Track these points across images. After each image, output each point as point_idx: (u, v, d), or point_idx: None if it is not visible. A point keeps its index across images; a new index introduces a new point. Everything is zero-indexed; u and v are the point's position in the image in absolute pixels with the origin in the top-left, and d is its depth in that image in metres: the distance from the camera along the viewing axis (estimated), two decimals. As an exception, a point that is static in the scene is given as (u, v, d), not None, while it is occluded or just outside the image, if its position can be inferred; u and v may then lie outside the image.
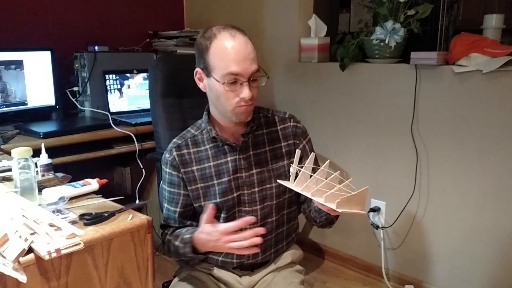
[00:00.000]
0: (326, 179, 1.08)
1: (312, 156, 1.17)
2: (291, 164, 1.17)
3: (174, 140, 1.31)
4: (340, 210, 1.00)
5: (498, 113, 1.83)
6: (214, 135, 1.26)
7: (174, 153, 1.28)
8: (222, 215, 1.28)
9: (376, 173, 2.26)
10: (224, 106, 1.19)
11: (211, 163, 1.27)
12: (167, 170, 1.29)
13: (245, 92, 1.15)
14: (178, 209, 1.30)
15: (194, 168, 1.28)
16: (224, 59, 1.14)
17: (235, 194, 1.27)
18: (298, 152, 1.17)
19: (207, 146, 1.28)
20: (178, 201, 1.29)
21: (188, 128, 1.34)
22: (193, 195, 1.28)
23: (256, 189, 1.28)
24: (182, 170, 1.27)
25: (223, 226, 1.12)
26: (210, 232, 1.13)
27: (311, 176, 1.11)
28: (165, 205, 1.33)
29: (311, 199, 1.32)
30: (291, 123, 1.34)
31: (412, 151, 2.10)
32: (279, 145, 1.32)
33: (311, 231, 2.64)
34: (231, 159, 1.27)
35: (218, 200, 1.26)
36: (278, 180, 1.25)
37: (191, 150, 1.28)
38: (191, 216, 1.32)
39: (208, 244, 1.15)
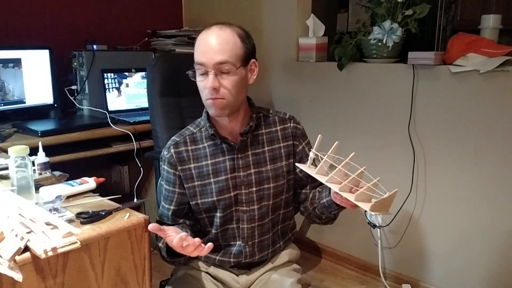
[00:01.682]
0: (350, 172, 1.06)
1: (336, 145, 1.13)
2: (310, 149, 1.15)
3: (173, 137, 1.32)
4: (373, 213, 0.99)
5: (495, 112, 1.84)
6: (213, 132, 1.26)
7: (172, 150, 1.28)
8: (218, 214, 1.28)
9: (373, 172, 2.25)
10: (202, 99, 1.22)
11: (209, 161, 1.27)
12: (165, 167, 1.30)
13: (207, 81, 1.16)
14: (172, 207, 1.30)
15: (192, 165, 1.27)
16: (196, 50, 1.19)
17: (232, 193, 1.27)
18: (319, 137, 1.15)
19: (205, 144, 1.29)
20: (173, 199, 1.29)
21: (188, 126, 1.34)
22: (189, 193, 1.28)
23: (254, 189, 1.28)
24: (179, 168, 1.27)
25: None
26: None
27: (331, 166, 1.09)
28: (161, 201, 1.34)
29: (314, 197, 1.33)
30: (291, 124, 1.34)
31: (409, 151, 2.10)
32: (278, 146, 1.31)
33: (308, 230, 2.64)
34: (229, 157, 1.27)
35: (214, 198, 1.26)
36: (297, 164, 1.24)
37: (189, 148, 1.28)
38: (184, 214, 1.32)
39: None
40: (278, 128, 1.33)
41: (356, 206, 1.03)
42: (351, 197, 1.03)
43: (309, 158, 1.19)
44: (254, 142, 1.29)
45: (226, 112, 1.21)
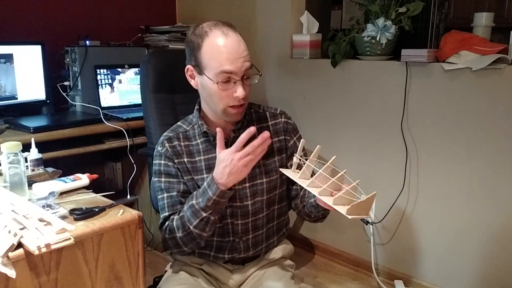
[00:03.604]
0: (332, 176, 1.06)
1: (317, 148, 1.14)
2: (294, 154, 1.16)
3: (165, 133, 1.31)
4: (350, 217, 0.98)
5: (487, 110, 1.85)
6: (205, 129, 1.26)
7: (166, 145, 1.27)
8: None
9: (366, 169, 2.28)
10: (216, 104, 1.20)
11: (202, 157, 1.28)
12: (162, 162, 1.28)
13: (239, 91, 1.15)
14: (180, 193, 1.26)
15: (185, 159, 1.27)
16: (217, 57, 1.14)
17: None
18: (302, 142, 1.17)
19: (198, 141, 1.29)
20: (180, 187, 1.26)
21: (179, 123, 1.33)
22: (191, 184, 1.28)
23: (247, 184, 1.28)
24: (176, 161, 1.27)
25: (232, 148, 1.11)
26: (224, 158, 1.11)
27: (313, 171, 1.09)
28: (164, 195, 1.27)
29: (304, 195, 1.34)
30: (282, 119, 1.34)
31: (401, 147, 2.11)
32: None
33: (302, 226, 2.65)
34: None
35: None
36: (280, 169, 1.24)
37: (182, 143, 1.28)
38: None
39: (226, 171, 1.11)
40: (270, 123, 1.33)
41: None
42: (329, 201, 1.03)
43: (293, 163, 1.20)
44: None
45: (243, 116, 1.24)
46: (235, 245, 1.31)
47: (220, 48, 1.14)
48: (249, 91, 1.19)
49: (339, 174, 1.06)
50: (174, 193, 1.26)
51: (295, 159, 1.17)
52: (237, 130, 1.27)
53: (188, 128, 1.30)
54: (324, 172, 1.07)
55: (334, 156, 1.09)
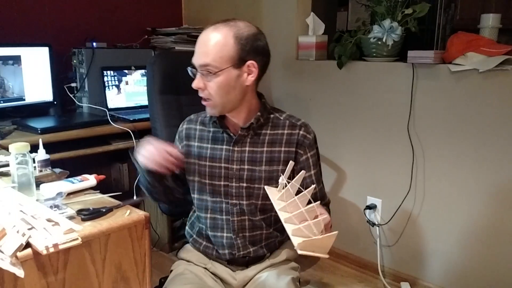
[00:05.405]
0: (305, 207, 1.04)
1: (301, 174, 1.13)
2: (281, 174, 1.17)
3: (192, 115, 1.40)
4: (299, 252, 0.96)
5: (494, 111, 1.84)
6: (215, 119, 1.30)
7: (185, 125, 1.39)
8: (208, 198, 1.32)
9: (373, 171, 2.27)
10: None
11: (209, 145, 1.32)
12: (176, 137, 1.40)
13: (194, 81, 1.22)
14: None
15: (195, 144, 1.34)
16: None
17: (222, 183, 1.30)
18: (290, 164, 1.17)
19: (210, 129, 1.33)
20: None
21: (203, 111, 1.38)
22: (189, 168, 1.34)
23: (244, 185, 1.29)
24: (184, 142, 1.36)
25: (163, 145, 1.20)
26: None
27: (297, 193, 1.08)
28: None
29: None
30: (300, 132, 1.31)
31: (408, 149, 2.11)
32: (278, 149, 1.30)
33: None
34: (225, 147, 1.30)
35: (207, 181, 1.32)
36: (265, 187, 1.24)
37: (197, 127, 1.36)
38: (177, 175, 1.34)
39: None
40: (285, 132, 1.31)
41: None
42: (289, 229, 1.02)
43: (279, 183, 1.19)
44: (255, 140, 1.30)
45: (216, 111, 1.26)
46: (232, 242, 1.33)
47: (197, 41, 1.23)
48: (214, 89, 1.20)
49: (310, 206, 1.03)
50: None
51: (281, 180, 1.17)
52: (245, 129, 1.28)
53: (207, 115, 1.34)
54: (299, 199, 1.06)
55: (312, 186, 1.08)
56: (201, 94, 1.23)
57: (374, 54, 2.15)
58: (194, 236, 1.43)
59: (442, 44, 2.08)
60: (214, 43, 1.18)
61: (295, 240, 0.98)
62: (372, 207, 2.29)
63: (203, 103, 1.25)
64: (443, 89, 1.96)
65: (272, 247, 1.40)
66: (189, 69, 1.25)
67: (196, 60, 1.21)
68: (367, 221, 2.31)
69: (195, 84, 1.22)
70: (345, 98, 2.31)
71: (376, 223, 2.28)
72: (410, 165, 2.12)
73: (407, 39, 2.12)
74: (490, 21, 1.94)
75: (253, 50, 1.22)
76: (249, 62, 1.21)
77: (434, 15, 2.08)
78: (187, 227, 1.48)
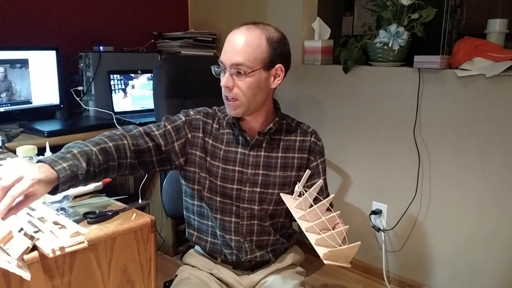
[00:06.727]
0: (324, 215, 1.06)
1: (319, 183, 1.16)
2: (297, 182, 1.18)
3: (204, 108, 1.33)
4: (325, 261, 0.97)
5: (500, 117, 1.83)
6: (233, 121, 1.27)
7: (201, 116, 1.30)
8: (218, 198, 1.29)
9: (378, 176, 2.26)
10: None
11: (223, 147, 1.29)
12: (182, 117, 1.28)
13: (222, 80, 1.20)
14: (146, 131, 1.21)
15: (210, 141, 1.29)
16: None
17: (235, 186, 1.28)
18: (307, 172, 1.18)
19: (225, 131, 1.30)
20: (155, 133, 1.22)
21: (216, 108, 1.34)
22: (199, 162, 1.28)
23: (258, 189, 1.29)
24: (198, 134, 1.27)
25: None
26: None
27: (312, 203, 1.10)
28: (141, 127, 1.23)
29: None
30: (312, 139, 1.34)
31: (414, 154, 2.10)
32: (292, 155, 1.31)
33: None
34: (241, 151, 1.28)
35: (218, 182, 1.28)
36: (281, 194, 1.25)
37: (214, 126, 1.30)
38: (141, 152, 1.18)
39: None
40: (298, 138, 1.33)
41: None
42: (312, 238, 1.02)
43: (295, 191, 1.20)
44: (270, 145, 1.30)
45: (240, 112, 1.23)
46: (240, 244, 1.32)
47: (226, 39, 1.21)
48: (241, 90, 1.19)
49: (331, 215, 1.05)
50: (142, 128, 1.21)
51: (297, 188, 1.18)
52: (263, 134, 1.28)
53: (222, 116, 1.32)
54: (319, 209, 1.07)
55: (332, 195, 1.11)
56: (227, 93, 1.21)
57: (380, 59, 2.15)
58: (196, 233, 1.39)
59: (449, 49, 2.08)
60: (248, 44, 1.17)
61: (320, 250, 0.98)
62: (377, 212, 2.28)
63: (227, 103, 1.23)
64: (450, 94, 1.96)
65: (278, 252, 1.39)
66: (213, 67, 1.23)
67: (227, 58, 1.18)
68: (373, 226, 2.30)
69: (224, 83, 1.19)
70: (350, 102, 2.31)
71: (382, 228, 2.27)
72: (416, 170, 2.11)
73: (413, 44, 2.12)
74: (496, 26, 1.93)
75: (282, 54, 1.22)
76: (278, 66, 1.22)
77: (440, 20, 2.08)
78: (186, 228, 1.44)
